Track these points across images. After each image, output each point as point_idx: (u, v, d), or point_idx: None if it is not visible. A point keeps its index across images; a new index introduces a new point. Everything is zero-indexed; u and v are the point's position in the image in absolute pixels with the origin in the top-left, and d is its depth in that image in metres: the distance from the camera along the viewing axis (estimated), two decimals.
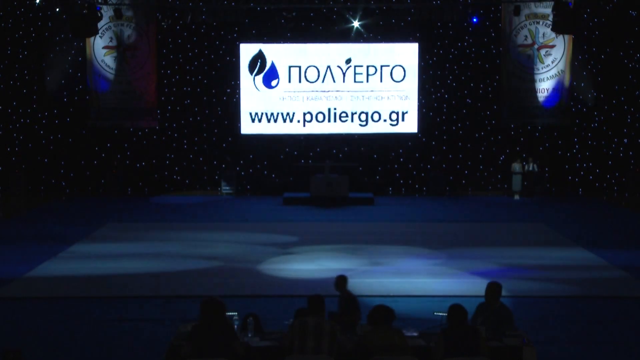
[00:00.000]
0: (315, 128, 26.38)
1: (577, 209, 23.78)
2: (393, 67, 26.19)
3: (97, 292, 13.33)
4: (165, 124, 26.34)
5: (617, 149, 26.31)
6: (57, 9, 24.46)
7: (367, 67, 26.23)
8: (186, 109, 26.39)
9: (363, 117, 26.32)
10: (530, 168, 25.60)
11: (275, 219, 21.62)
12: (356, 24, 25.53)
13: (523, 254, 16.40)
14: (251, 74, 26.20)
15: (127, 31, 25.22)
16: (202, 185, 26.78)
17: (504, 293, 9.26)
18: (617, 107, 26.22)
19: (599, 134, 26.41)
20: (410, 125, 26.30)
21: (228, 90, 26.41)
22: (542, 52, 25.39)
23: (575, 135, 26.48)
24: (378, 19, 25.59)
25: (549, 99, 25.56)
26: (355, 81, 26.32)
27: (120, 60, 25.30)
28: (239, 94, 26.19)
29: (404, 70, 26.17)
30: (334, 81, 26.31)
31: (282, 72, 26.26)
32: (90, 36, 24.24)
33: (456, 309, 7.90)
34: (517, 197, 25.60)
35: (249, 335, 8.44)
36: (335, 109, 26.36)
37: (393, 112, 26.30)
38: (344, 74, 26.31)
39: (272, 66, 26.27)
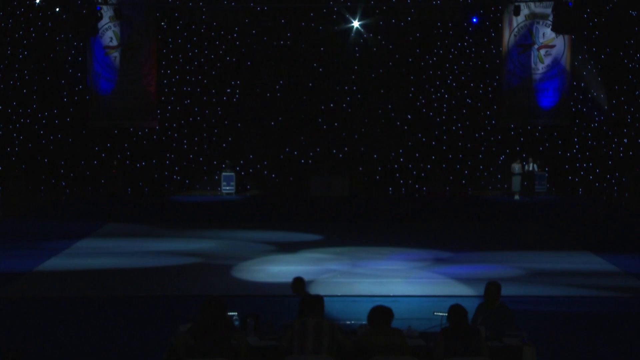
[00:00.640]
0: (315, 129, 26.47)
1: (577, 209, 23.77)
2: None
3: (97, 292, 13.35)
4: (165, 124, 26.34)
5: (617, 149, 26.31)
6: (57, 9, 24.46)
7: None
8: (186, 109, 26.39)
9: None
10: (530, 168, 25.60)
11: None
12: (356, 24, 25.53)
13: (523, 255, 16.40)
14: None
15: (127, 31, 25.22)
16: (202, 185, 26.79)
17: (504, 293, 9.26)
18: (617, 107, 26.20)
19: (599, 134, 26.41)
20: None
21: (228, 90, 26.41)
22: (542, 52, 25.40)
23: (575, 135, 26.48)
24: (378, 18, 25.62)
25: (549, 99, 25.56)
26: None
27: (120, 60, 25.31)
28: (239, 93, 26.23)
29: None
30: None
31: None
32: (90, 36, 24.24)
33: (456, 309, 7.90)
34: (517, 197, 25.60)
35: (249, 335, 8.43)
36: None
37: None
38: None
39: None
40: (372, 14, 25.48)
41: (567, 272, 14.83)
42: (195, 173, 26.76)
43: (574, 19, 22.81)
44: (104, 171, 26.17)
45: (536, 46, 25.41)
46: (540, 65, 25.45)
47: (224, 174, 26.19)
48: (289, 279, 10.09)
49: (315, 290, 11.20)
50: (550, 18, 24.01)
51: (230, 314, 8.45)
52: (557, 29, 23.47)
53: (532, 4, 24.94)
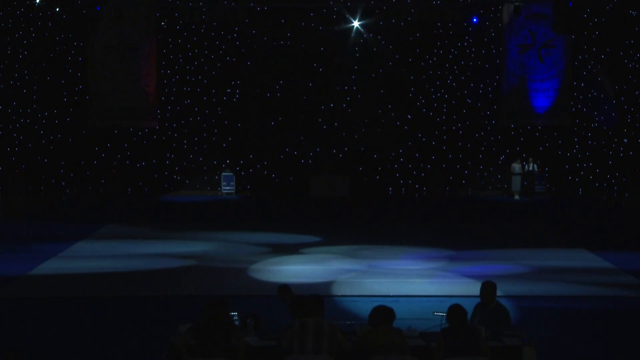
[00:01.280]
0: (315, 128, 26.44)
1: (577, 209, 23.76)
2: None
3: (97, 292, 13.33)
4: (165, 124, 26.34)
5: (617, 149, 26.31)
6: (57, 9, 24.45)
7: None
8: (186, 109, 26.38)
9: None
10: (530, 168, 25.59)
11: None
12: (356, 24, 25.53)
13: (522, 254, 16.38)
14: None
15: (127, 31, 25.21)
16: (202, 185, 26.79)
17: (504, 293, 9.24)
18: (617, 107, 26.19)
19: (599, 134, 26.41)
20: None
21: (228, 90, 26.40)
22: (542, 52, 25.39)
23: (575, 135, 26.48)
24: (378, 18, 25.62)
25: (549, 99, 25.56)
26: None
27: (120, 60, 25.29)
28: (239, 93, 26.23)
29: None
30: None
31: None
32: (90, 36, 24.23)
33: (456, 309, 7.89)
34: (517, 197, 25.59)
35: (249, 335, 8.43)
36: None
37: None
38: None
39: None
40: (372, 14, 25.48)
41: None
42: (196, 173, 26.76)
43: (574, 19, 22.81)
44: (104, 171, 26.16)
45: (536, 46, 25.40)
46: (540, 65, 25.44)
47: (224, 174, 26.19)
48: (294, 280, 10.02)
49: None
50: (550, 18, 23.99)
51: (230, 314, 8.45)
52: (557, 29, 23.48)
53: (532, 4, 24.94)
